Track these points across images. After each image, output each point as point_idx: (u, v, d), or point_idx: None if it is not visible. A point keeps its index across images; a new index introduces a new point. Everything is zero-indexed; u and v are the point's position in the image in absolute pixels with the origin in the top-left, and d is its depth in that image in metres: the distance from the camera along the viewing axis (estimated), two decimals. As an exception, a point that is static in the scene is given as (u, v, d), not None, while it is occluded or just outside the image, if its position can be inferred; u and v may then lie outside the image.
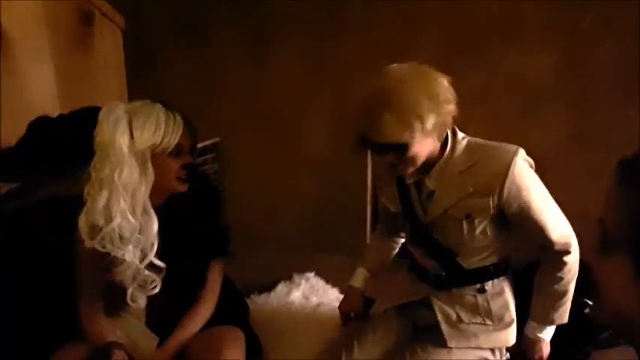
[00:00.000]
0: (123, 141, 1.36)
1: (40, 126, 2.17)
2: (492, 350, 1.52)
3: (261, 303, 2.10)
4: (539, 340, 1.51)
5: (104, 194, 1.37)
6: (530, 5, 2.31)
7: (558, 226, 1.43)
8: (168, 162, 1.43)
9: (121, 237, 1.38)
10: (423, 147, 1.34)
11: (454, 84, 1.34)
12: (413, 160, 1.34)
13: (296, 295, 2.18)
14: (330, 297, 2.20)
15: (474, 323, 1.50)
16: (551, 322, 1.49)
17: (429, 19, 2.46)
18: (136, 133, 1.38)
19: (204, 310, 1.58)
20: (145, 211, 1.40)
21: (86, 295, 1.50)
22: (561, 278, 1.44)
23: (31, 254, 1.62)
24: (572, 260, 1.43)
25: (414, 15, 2.49)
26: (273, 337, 1.80)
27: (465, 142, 1.43)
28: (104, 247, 1.39)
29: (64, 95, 2.64)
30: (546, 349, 1.52)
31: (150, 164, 1.39)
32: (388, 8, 2.54)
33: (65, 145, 1.87)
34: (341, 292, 2.25)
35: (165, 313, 1.53)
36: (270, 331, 1.82)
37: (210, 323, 1.58)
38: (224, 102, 2.97)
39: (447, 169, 1.41)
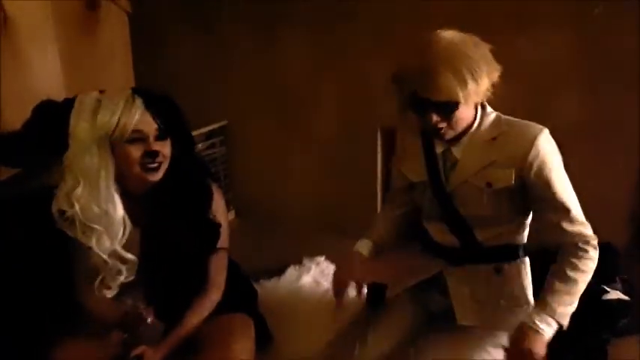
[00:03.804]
0: (83, 128, 1.38)
1: (45, 110, 2.14)
2: (509, 336, 1.46)
3: (270, 288, 2.09)
4: (535, 331, 1.36)
5: (69, 181, 1.40)
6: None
7: (578, 214, 1.39)
8: (128, 149, 1.40)
9: (84, 224, 1.40)
10: (469, 110, 1.38)
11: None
12: (457, 122, 1.37)
13: (306, 280, 2.18)
14: (340, 282, 2.17)
15: (487, 302, 1.48)
16: (552, 312, 1.36)
17: (440, 5, 2.41)
18: (97, 121, 1.38)
19: (208, 301, 1.56)
20: (109, 198, 1.40)
21: (84, 279, 1.49)
22: (579, 269, 1.37)
23: (26, 245, 1.61)
24: (591, 257, 1.38)
25: (425, 1, 2.43)
26: (283, 323, 1.78)
27: (492, 115, 1.46)
28: (72, 232, 1.42)
29: (69, 81, 2.62)
30: (541, 346, 1.35)
31: (109, 151, 1.39)
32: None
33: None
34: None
35: (167, 302, 1.52)
36: (279, 316, 1.80)
37: (219, 309, 1.57)
38: (232, 85, 2.93)
39: (473, 140, 1.44)
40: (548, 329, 1.35)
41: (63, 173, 1.42)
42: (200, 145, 2.83)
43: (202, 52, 2.97)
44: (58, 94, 2.45)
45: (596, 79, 2.27)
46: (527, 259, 1.53)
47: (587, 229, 1.40)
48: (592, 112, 2.29)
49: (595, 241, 1.40)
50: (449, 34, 1.33)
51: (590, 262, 1.39)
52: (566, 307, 1.38)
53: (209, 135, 2.89)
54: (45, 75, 2.53)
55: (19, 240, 1.63)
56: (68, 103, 2.21)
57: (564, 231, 1.39)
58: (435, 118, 1.35)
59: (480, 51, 1.32)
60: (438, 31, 1.35)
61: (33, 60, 2.47)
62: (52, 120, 2.08)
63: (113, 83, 2.83)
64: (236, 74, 2.91)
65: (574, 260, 1.38)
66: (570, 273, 1.38)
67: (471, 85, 1.29)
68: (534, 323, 1.36)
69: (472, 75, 1.29)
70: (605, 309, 1.96)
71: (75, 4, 2.68)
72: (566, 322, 1.38)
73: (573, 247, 1.39)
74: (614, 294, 2.00)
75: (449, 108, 1.33)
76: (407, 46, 1.36)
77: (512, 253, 1.50)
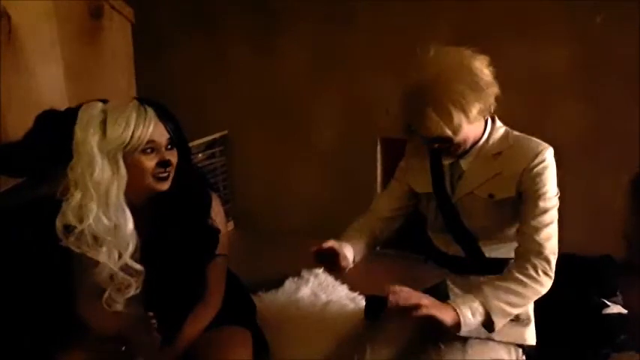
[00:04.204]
0: (93, 140, 1.35)
1: (48, 119, 2.15)
2: (508, 350, 1.47)
3: (268, 300, 2.08)
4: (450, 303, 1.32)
5: (77, 195, 1.37)
6: (542, 1, 2.28)
7: (551, 237, 1.38)
8: (142, 160, 1.39)
9: (95, 237, 1.38)
10: (470, 132, 1.40)
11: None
12: (462, 143, 1.40)
13: (305, 292, 2.16)
14: (339, 294, 2.17)
15: None
16: (482, 297, 1.33)
17: (440, 12, 2.43)
18: (107, 132, 1.36)
19: (207, 311, 1.55)
20: (119, 210, 1.39)
21: (85, 293, 1.48)
22: (527, 274, 1.35)
23: (25, 256, 1.61)
24: (546, 270, 1.36)
25: (425, 8, 2.46)
26: (281, 335, 1.77)
27: (502, 130, 1.48)
28: (79, 247, 1.39)
29: (72, 89, 2.64)
30: (438, 308, 1.29)
31: (121, 163, 1.37)
32: (399, 1, 2.50)
33: (72, 139, 1.85)
34: (350, 289, 2.22)
35: (165, 312, 1.50)
36: (277, 329, 1.79)
37: (217, 322, 1.56)
38: (233, 94, 2.95)
39: (481, 153, 1.46)
40: (467, 313, 1.31)
41: (67, 186, 1.39)
42: (200, 155, 2.84)
43: (204, 61, 2.99)
44: (61, 102, 2.47)
45: (597, 87, 2.28)
46: None
47: (551, 256, 1.37)
48: (593, 120, 2.30)
49: (550, 272, 1.37)
50: (437, 63, 1.34)
51: (542, 275, 1.36)
52: (500, 302, 1.33)
53: (209, 145, 2.90)
54: (48, 82, 2.54)
55: (19, 251, 1.64)
56: (71, 113, 2.24)
57: (533, 241, 1.37)
58: (436, 145, 1.41)
59: (467, 77, 1.31)
60: (428, 56, 1.36)
61: (36, 67, 2.49)
62: (55, 130, 2.10)
63: (116, 90, 2.85)
64: (236, 83, 2.93)
65: (527, 265, 1.36)
66: (517, 274, 1.36)
67: (457, 118, 1.30)
68: (454, 302, 1.33)
69: (457, 107, 1.30)
70: (606, 323, 1.95)
71: (79, 12, 2.70)
72: (498, 320, 1.33)
73: (532, 257, 1.37)
74: (615, 308, 1.99)
75: (444, 140, 1.37)
76: (401, 77, 1.37)
77: None
